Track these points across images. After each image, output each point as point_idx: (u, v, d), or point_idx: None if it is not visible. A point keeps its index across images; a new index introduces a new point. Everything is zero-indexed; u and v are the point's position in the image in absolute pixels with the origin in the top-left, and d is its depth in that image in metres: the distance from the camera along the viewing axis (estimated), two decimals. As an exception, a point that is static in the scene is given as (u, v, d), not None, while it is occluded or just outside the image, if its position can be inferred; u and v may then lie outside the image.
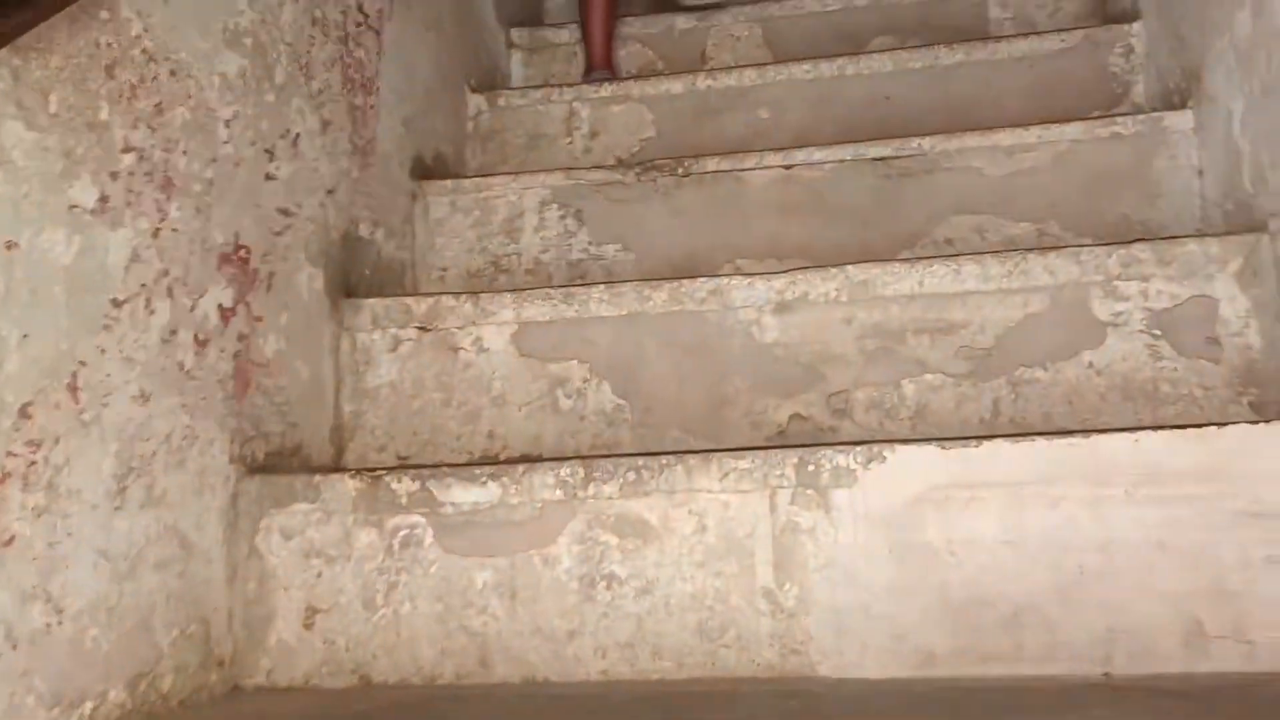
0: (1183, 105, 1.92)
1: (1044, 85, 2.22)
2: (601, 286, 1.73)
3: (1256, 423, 1.31)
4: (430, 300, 1.78)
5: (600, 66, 2.61)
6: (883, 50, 2.37)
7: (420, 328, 1.77)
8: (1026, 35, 2.30)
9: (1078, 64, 2.21)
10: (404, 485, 1.42)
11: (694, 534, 1.35)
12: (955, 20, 2.53)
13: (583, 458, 1.47)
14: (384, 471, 1.45)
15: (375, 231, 1.95)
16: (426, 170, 2.20)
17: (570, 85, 2.53)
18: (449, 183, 2.16)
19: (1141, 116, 1.93)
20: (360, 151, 1.92)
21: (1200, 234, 1.76)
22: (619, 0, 2.68)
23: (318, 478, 1.47)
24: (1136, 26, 2.17)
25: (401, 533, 1.41)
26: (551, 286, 1.76)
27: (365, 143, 1.95)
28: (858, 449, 1.33)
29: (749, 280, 1.69)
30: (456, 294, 1.79)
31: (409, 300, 1.79)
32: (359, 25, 1.95)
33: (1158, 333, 1.58)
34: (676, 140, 2.32)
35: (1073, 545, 1.28)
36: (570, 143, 2.39)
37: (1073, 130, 1.94)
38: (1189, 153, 1.89)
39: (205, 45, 1.46)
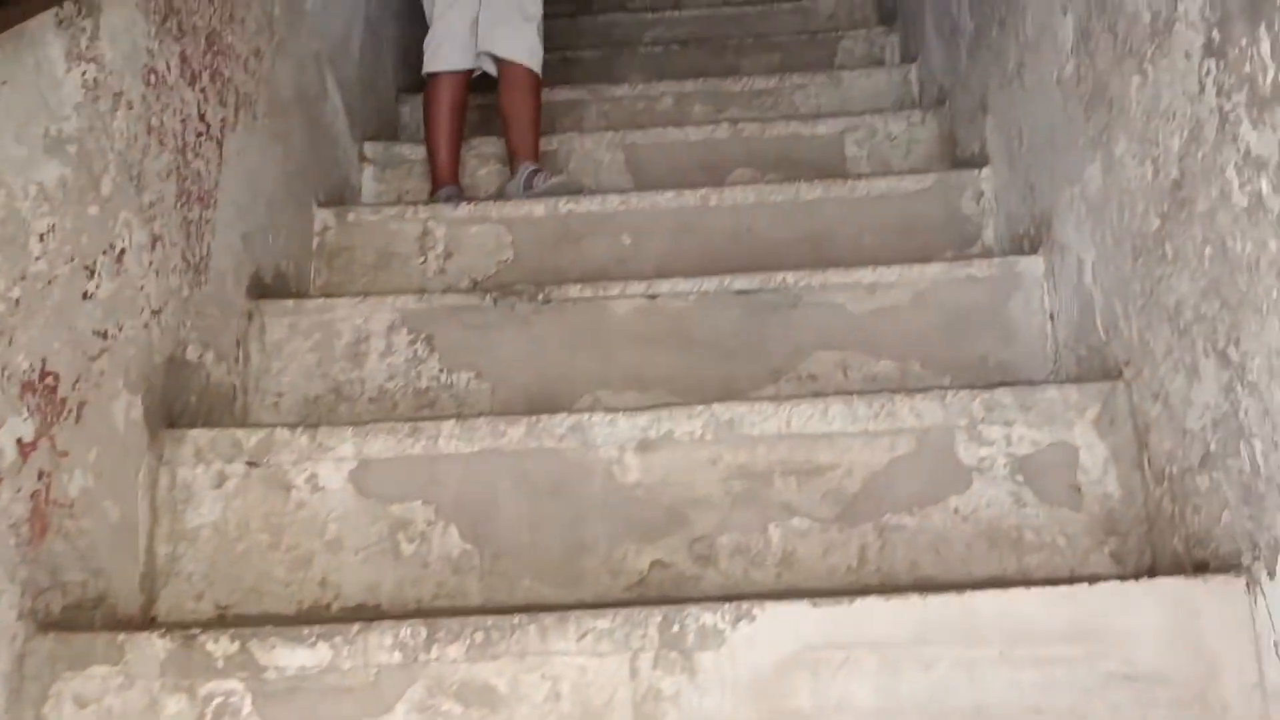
0: (1034, 250, 1.95)
1: (902, 223, 2.25)
2: (452, 420, 1.62)
3: (1125, 578, 1.28)
4: (262, 433, 1.63)
5: (448, 182, 2.54)
6: (746, 183, 2.38)
7: (249, 462, 1.62)
8: (884, 175, 2.34)
9: (933, 204, 2.25)
10: (221, 646, 1.26)
11: (547, 702, 1.23)
12: (813, 156, 2.57)
13: (425, 615, 1.33)
14: (199, 630, 1.28)
15: (205, 354, 1.80)
16: (266, 289, 2.07)
17: (425, 203, 2.44)
18: (289, 303, 2.03)
19: (995, 260, 1.96)
20: (193, 269, 1.78)
21: (1060, 380, 1.77)
22: (464, 114, 2.69)
23: (121, 636, 1.29)
24: (986, 172, 2.22)
25: (216, 700, 1.25)
26: (397, 419, 1.64)
27: (199, 259, 1.81)
28: (726, 606, 1.25)
29: (611, 417, 1.61)
30: (292, 426, 1.65)
31: (239, 432, 1.64)
32: (199, 135, 1.83)
33: (1021, 479, 1.57)
34: (536, 264, 2.25)
35: (949, 710, 1.21)
36: (423, 263, 2.29)
37: (931, 271, 1.96)
38: (1041, 297, 1.92)
39: (20, 152, 1.32)
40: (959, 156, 2.47)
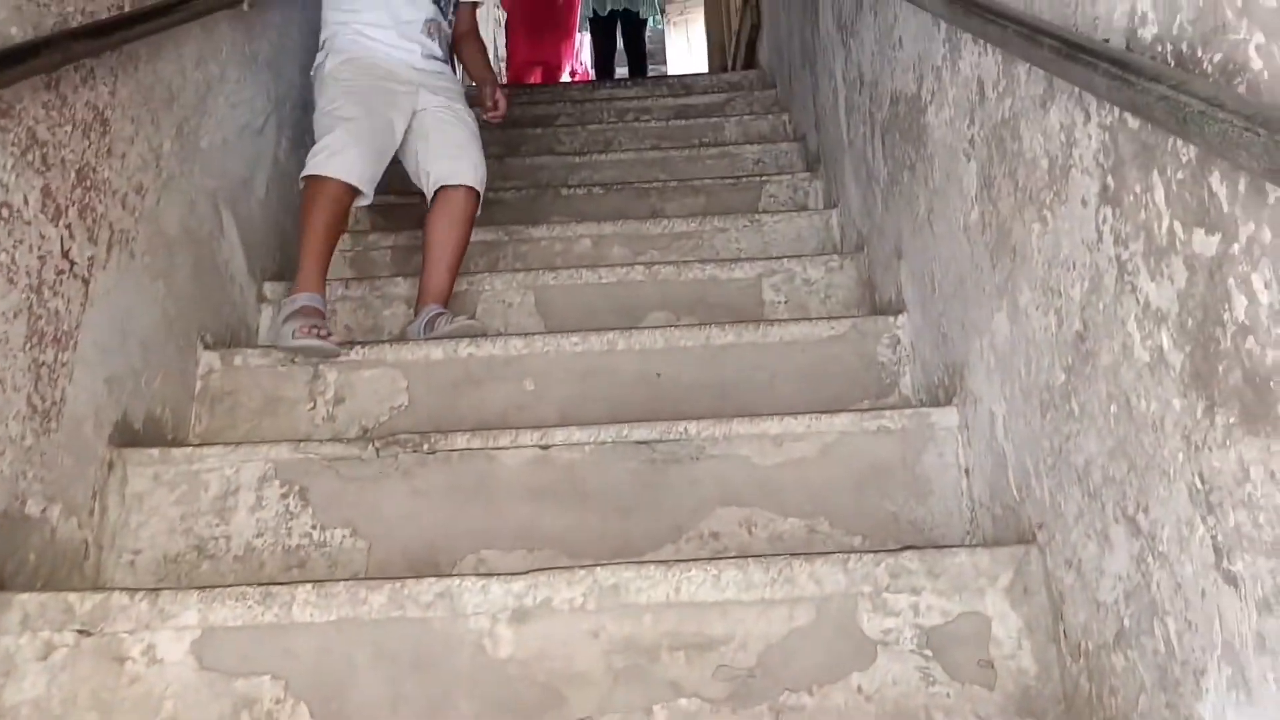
0: (948, 401, 1.87)
1: (817, 371, 2.16)
2: (308, 586, 1.46)
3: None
4: (98, 597, 1.47)
5: (311, 289, 2.31)
6: (655, 326, 2.28)
7: (81, 630, 1.45)
8: (798, 320, 2.26)
9: (848, 351, 2.17)
10: None
11: None
12: (730, 300, 2.49)
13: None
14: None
15: (49, 508, 1.64)
16: (132, 436, 1.92)
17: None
18: (155, 452, 1.88)
19: (909, 411, 1.87)
20: (40, 414, 1.64)
21: (970, 544, 1.66)
22: (341, 230, 2.53)
23: None
24: (902, 319, 2.15)
25: None
26: (248, 584, 1.48)
27: (50, 404, 1.67)
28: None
29: (483, 583, 1.46)
30: (131, 590, 1.48)
31: (71, 597, 1.47)
32: (60, 273, 1.71)
33: (929, 653, 1.43)
34: (431, 411, 2.13)
35: None
36: (312, 409, 2.16)
37: (841, 422, 1.86)
38: (956, 450, 1.83)
39: None
40: (877, 303, 2.40)
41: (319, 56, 2.60)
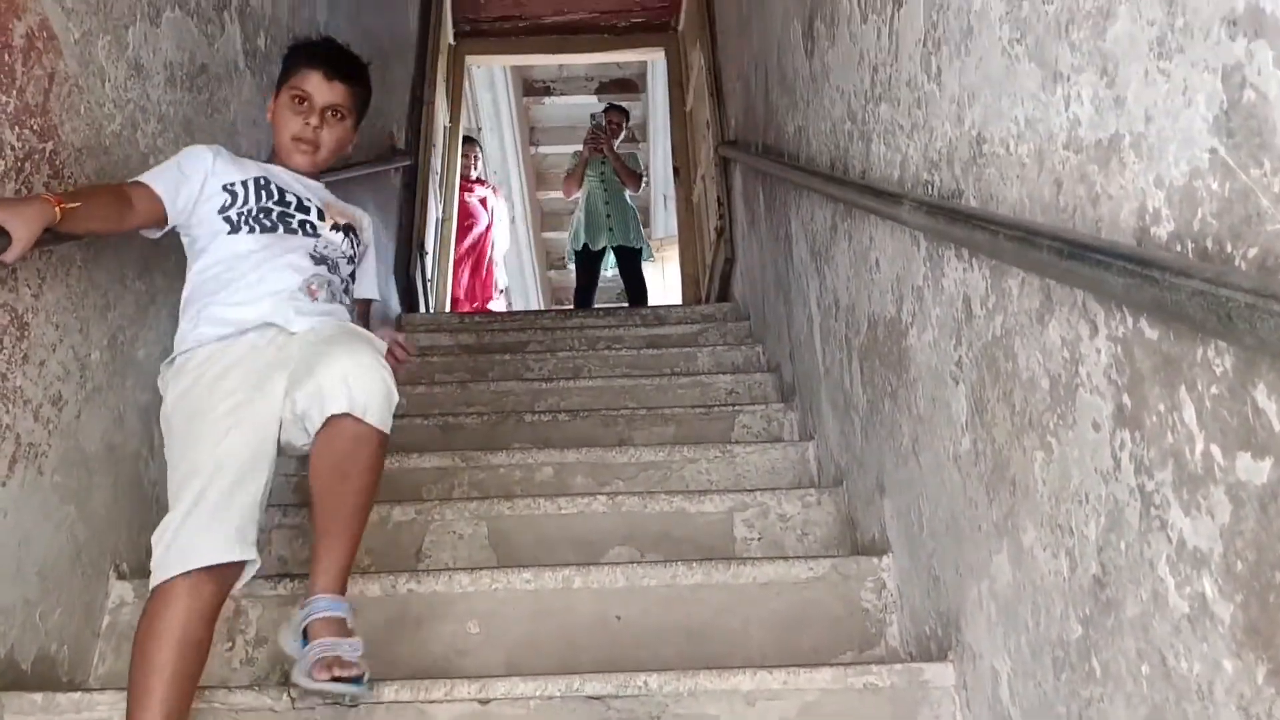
0: (943, 656, 1.65)
1: (794, 617, 1.95)
2: None
3: None
4: None
5: None
6: (616, 563, 2.07)
7: None
8: (774, 560, 2.06)
9: (828, 595, 1.96)
10: None
11: None
12: (699, 536, 2.30)
13: None
14: None
15: (-113, 768, 1.38)
16: (18, 677, 1.67)
17: (256, 578, 2.09)
18: (39, 698, 1.63)
19: (898, 667, 1.65)
20: (-110, 652, 1.40)
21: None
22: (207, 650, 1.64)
23: None
24: (886, 560, 1.96)
25: None
26: None
27: (-95, 640, 1.44)
28: None
29: None
30: None
31: None
32: (-56, 486, 1.52)
33: None
34: (362, 654, 1.88)
35: None
36: (230, 649, 1.91)
37: (823, 677, 1.63)
38: (954, 713, 1.59)
39: None
40: (859, 541, 2.21)
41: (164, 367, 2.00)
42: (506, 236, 7.37)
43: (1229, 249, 0.85)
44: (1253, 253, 0.82)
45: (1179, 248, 0.92)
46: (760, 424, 2.99)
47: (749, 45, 4.05)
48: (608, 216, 6.16)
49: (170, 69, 2.35)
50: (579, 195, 6.41)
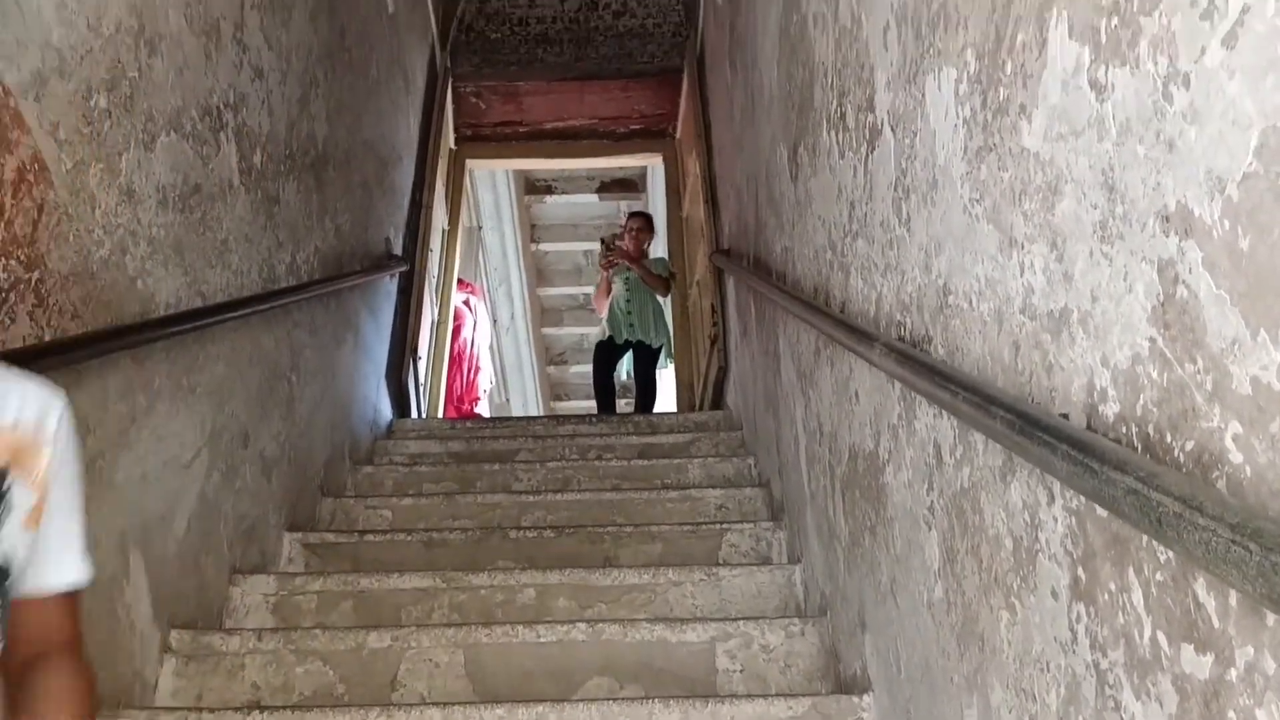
0: (921, 806, 1.62)
1: (772, 756, 1.91)
2: None
3: None
4: None
5: None
6: (591, 700, 2.04)
7: None
8: (753, 698, 2.02)
9: (807, 734, 1.92)
10: None
11: None
12: (680, 667, 2.26)
13: None
14: None
15: None
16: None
17: (225, 709, 2.06)
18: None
19: (874, 818, 1.61)
20: None
21: None
22: None
23: None
24: (867, 700, 1.93)
25: None
26: None
27: None
28: None
29: None
30: None
31: None
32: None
33: None
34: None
35: None
36: (193, 788, 1.87)
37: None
38: None
39: None
40: (841, 676, 2.18)
41: None
42: (488, 334, 7.42)
43: (1169, 439, 0.86)
44: (1190, 446, 0.83)
45: (1125, 430, 0.93)
46: (749, 543, 2.97)
47: (742, 159, 4.12)
48: (628, 314, 6.13)
49: (163, 191, 2.39)
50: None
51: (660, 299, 6.34)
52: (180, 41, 2.51)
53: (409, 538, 2.99)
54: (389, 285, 4.91)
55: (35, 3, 1.86)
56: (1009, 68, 1.20)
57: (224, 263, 2.76)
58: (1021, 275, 1.17)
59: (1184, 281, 0.83)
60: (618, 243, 6.35)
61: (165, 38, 2.42)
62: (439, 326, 6.06)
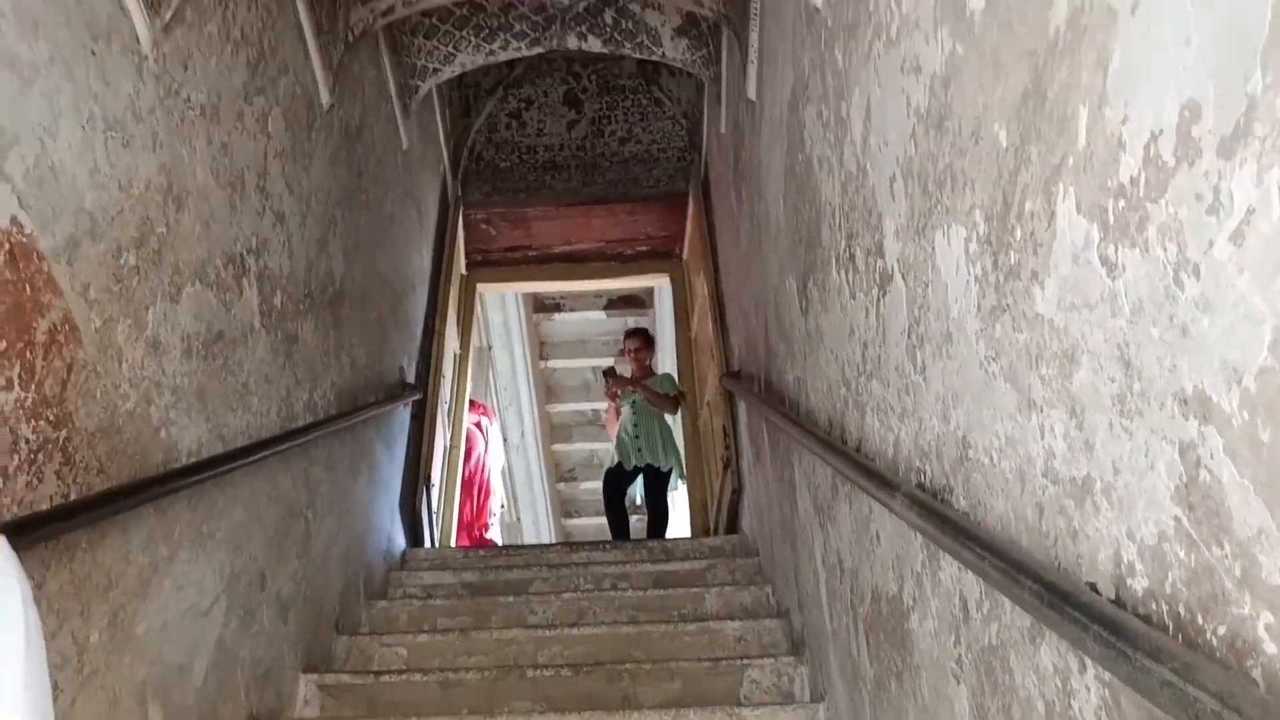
0: None
1: None
2: None
3: None
4: None
5: None
6: None
7: None
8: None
9: None
10: None
11: None
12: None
13: None
14: None
15: None
16: None
17: None
18: None
19: None
20: None
21: None
22: None
23: None
24: None
25: None
26: None
27: None
28: None
29: None
30: None
31: None
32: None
33: None
34: None
35: None
36: None
37: None
38: None
39: None
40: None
41: None
42: (500, 455, 7.43)
43: (1200, 621, 0.86)
44: (1222, 631, 0.83)
45: (1155, 606, 0.94)
46: (770, 679, 2.93)
47: (750, 283, 4.18)
48: (635, 438, 6.12)
49: (187, 340, 2.44)
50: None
51: (670, 417, 6.33)
52: (207, 194, 2.59)
53: (424, 678, 2.96)
54: (403, 414, 4.94)
55: (71, 169, 1.94)
56: (1019, 233, 1.24)
57: (244, 405, 2.79)
58: (1042, 438, 1.19)
59: (1206, 466, 0.85)
60: (617, 370, 6.36)
61: (192, 192, 2.50)
62: (451, 452, 6.08)
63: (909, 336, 1.74)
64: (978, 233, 1.38)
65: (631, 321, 10.34)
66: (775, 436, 3.51)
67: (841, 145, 2.21)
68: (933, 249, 1.58)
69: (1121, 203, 0.97)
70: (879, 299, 1.94)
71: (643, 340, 6.46)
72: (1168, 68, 0.88)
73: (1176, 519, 0.90)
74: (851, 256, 2.16)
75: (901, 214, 1.75)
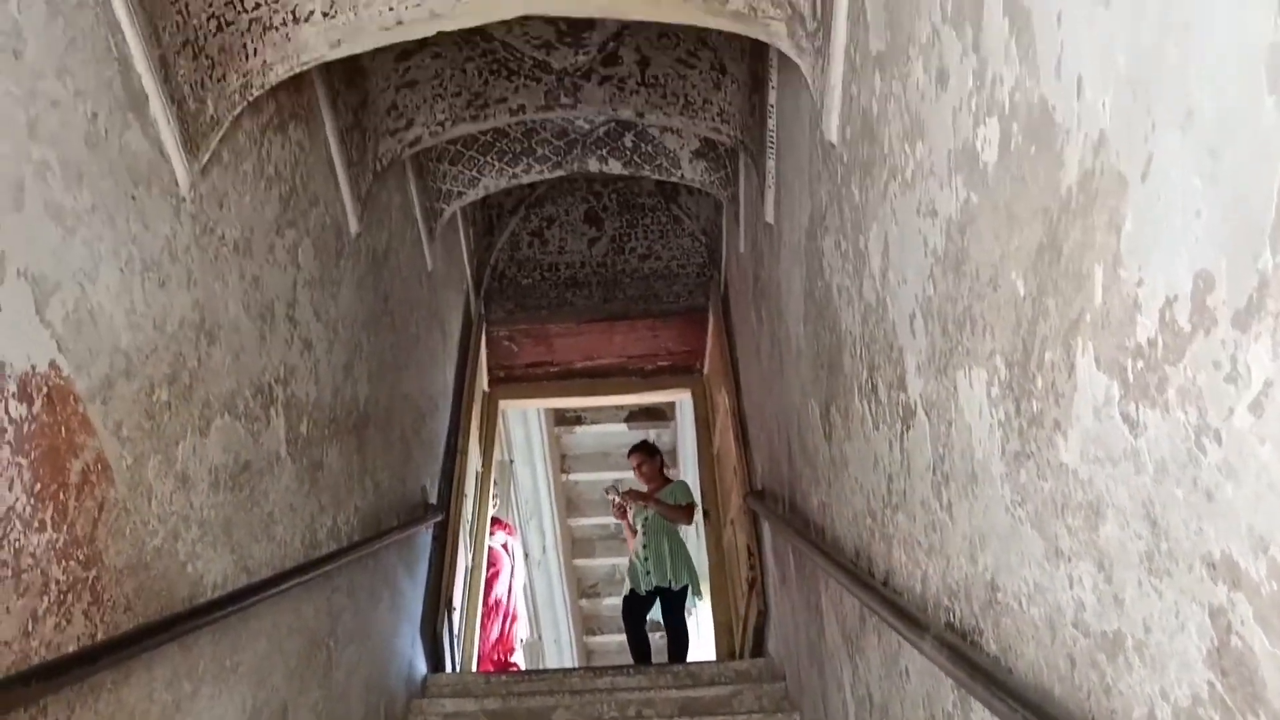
0: None
1: None
2: None
3: None
4: None
5: None
6: None
7: None
8: None
9: None
10: None
11: None
12: None
13: None
14: None
15: None
16: None
17: None
18: None
19: None
20: None
21: None
22: None
23: None
24: None
25: None
26: None
27: None
28: None
29: None
30: None
31: None
32: None
33: None
34: None
35: None
36: None
37: None
38: None
39: None
40: None
41: None
42: (523, 572, 7.39)
43: (1244, 797, 0.85)
44: (1267, 809, 0.82)
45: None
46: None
47: (771, 399, 4.20)
48: (645, 560, 6.08)
49: (215, 473, 2.46)
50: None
51: (685, 526, 6.29)
52: (238, 326, 2.64)
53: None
54: (424, 535, 4.93)
55: (108, 311, 1.99)
56: (1040, 382, 1.25)
57: (269, 535, 2.80)
58: (1071, 588, 1.18)
59: (1238, 633, 0.85)
60: (621, 492, 6.35)
61: (224, 326, 2.55)
62: (473, 572, 6.04)
63: (934, 473, 1.74)
64: (999, 377, 1.39)
65: (652, 434, 10.35)
66: (801, 560, 3.48)
67: (860, 277, 2.25)
68: (955, 389, 1.60)
69: (1140, 363, 0.99)
70: (903, 433, 1.95)
71: (644, 454, 6.46)
72: (1179, 236, 0.91)
73: (1210, 683, 0.89)
74: (874, 387, 2.17)
75: (923, 351, 1.77)
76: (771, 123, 3.56)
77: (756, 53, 3.70)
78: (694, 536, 10.20)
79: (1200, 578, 0.90)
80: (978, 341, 1.48)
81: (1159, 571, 0.98)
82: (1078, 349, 1.14)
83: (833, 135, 2.42)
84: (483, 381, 6.82)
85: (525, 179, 5.82)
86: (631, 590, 6.15)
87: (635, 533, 6.22)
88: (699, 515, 6.56)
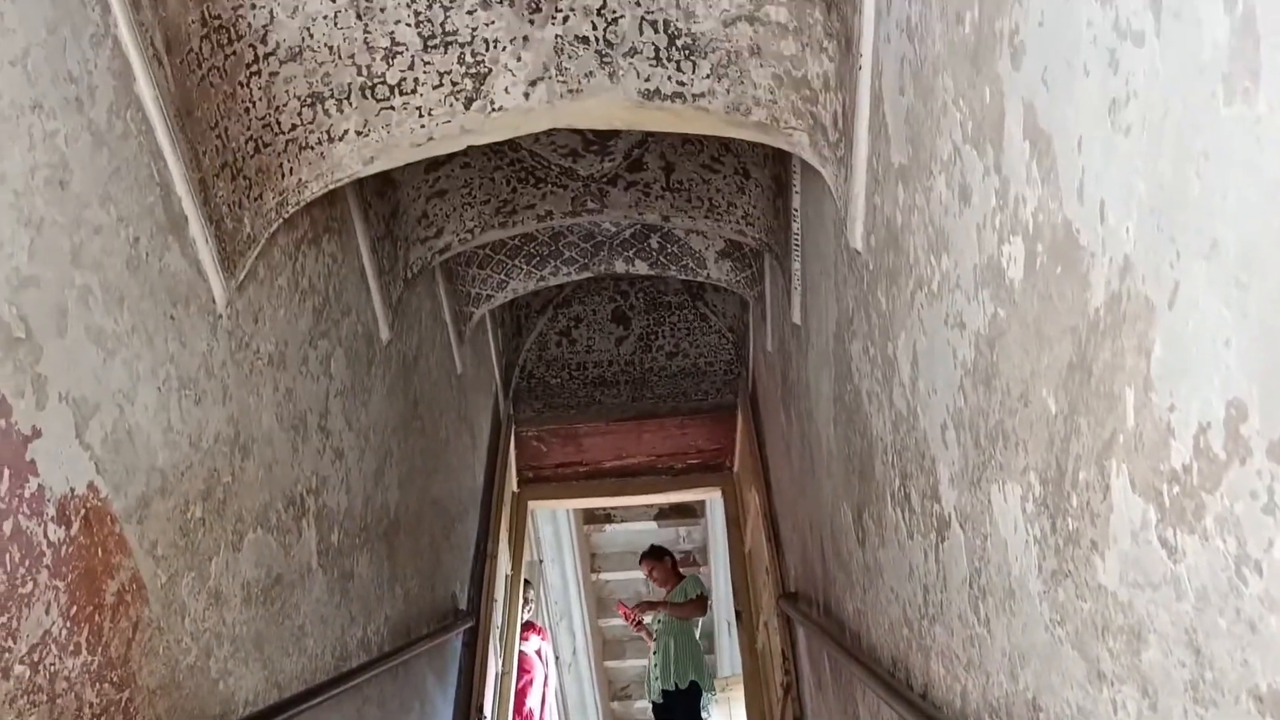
0: None
1: None
2: None
3: None
4: None
5: None
6: None
7: None
8: None
9: None
10: None
11: None
12: None
13: None
14: None
15: None
16: None
17: None
18: None
19: None
20: None
21: None
22: None
23: None
24: None
25: None
26: None
27: None
28: None
29: None
30: None
31: None
32: None
33: None
34: None
35: None
36: None
37: None
38: None
39: None
40: None
41: None
42: (555, 678, 7.29)
43: None
44: None
45: None
46: None
47: (804, 501, 4.16)
48: (655, 666, 6.05)
49: (247, 588, 2.46)
50: None
51: (699, 618, 6.26)
52: (271, 439, 2.67)
53: None
54: (455, 642, 4.88)
55: (146, 430, 2.01)
56: (1075, 501, 1.24)
57: (300, 648, 2.79)
58: (1115, 715, 1.16)
59: (1294, 775, 0.83)
60: (631, 607, 6.36)
61: (257, 439, 2.58)
62: (503, 679, 5.95)
63: (970, 587, 1.72)
64: (1034, 494, 1.39)
65: (683, 532, 10.28)
66: (838, 667, 3.42)
67: (890, 384, 2.25)
68: (989, 502, 1.59)
69: (1176, 488, 0.99)
70: (937, 544, 1.93)
71: (653, 559, 6.51)
72: (1210, 364, 0.91)
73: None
74: (907, 495, 2.16)
75: (955, 462, 1.77)
76: (796, 226, 3.61)
77: (779, 158, 3.76)
78: (726, 637, 10.04)
79: (1247, 710, 0.88)
80: (1011, 456, 1.47)
81: (1205, 701, 0.96)
82: (1112, 470, 1.13)
83: (857, 242, 2.45)
84: (512, 482, 6.81)
85: (553, 280, 5.89)
86: (653, 703, 6.12)
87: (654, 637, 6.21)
88: (730, 616, 6.51)
